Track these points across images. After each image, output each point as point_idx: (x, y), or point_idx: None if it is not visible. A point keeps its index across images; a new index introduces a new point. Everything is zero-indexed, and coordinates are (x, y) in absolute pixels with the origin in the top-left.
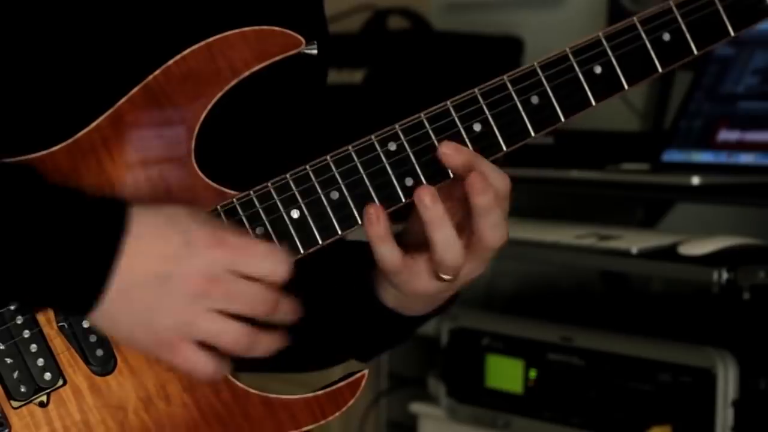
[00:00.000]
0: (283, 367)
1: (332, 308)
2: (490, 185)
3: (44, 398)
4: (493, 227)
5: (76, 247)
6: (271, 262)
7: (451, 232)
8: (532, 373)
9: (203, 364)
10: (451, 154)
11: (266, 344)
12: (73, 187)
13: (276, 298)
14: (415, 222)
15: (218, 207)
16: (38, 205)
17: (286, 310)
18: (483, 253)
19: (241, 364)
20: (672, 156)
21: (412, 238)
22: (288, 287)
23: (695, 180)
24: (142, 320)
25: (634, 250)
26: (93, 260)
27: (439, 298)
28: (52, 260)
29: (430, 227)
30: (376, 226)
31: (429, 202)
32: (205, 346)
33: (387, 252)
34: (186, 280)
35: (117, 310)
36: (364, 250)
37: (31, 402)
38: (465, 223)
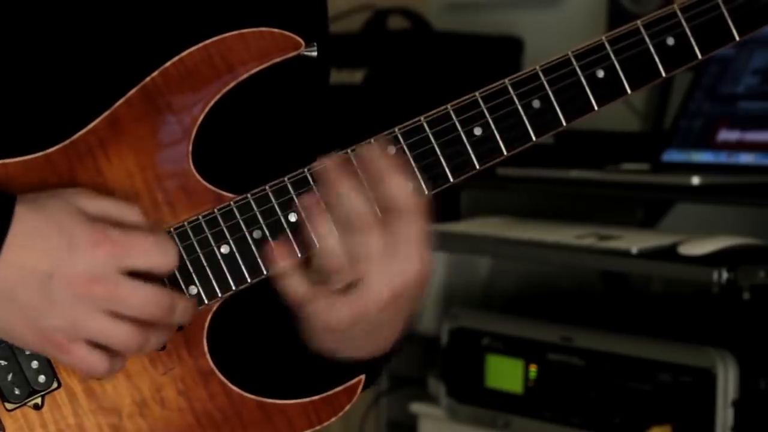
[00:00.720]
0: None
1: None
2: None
3: (39, 401)
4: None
5: None
6: (157, 254)
7: (330, 228)
8: (532, 373)
9: (95, 364)
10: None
11: (157, 341)
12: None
13: (170, 299)
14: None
15: (215, 209)
16: None
17: (184, 311)
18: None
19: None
20: (672, 156)
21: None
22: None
23: (695, 180)
24: (27, 321)
25: (634, 250)
26: None
27: (364, 346)
28: None
29: (309, 224)
30: (280, 261)
31: (309, 203)
32: (98, 344)
33: (295, 284)
34: (69, 281)
35: (2, 309)
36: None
37: (25, 405)
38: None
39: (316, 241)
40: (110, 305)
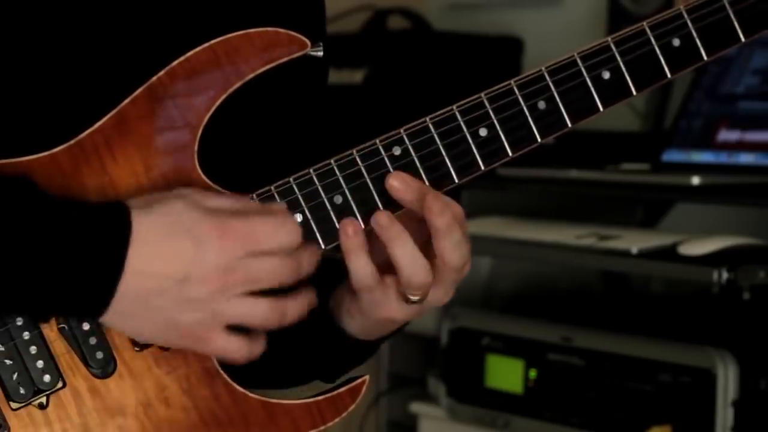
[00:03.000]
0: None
1: (297, 335)
2: (447, 206)
3: (43, 400)
4: (454, 247)
5: (79, 256)
6: (282, 234)
7: (413, 248)
8: (532, 373)
9: (236, 348)
10: (399, 187)
11: (296, 309)
12: (70, 194)
13: (295, 262)
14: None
15: None
16: (39, 217)
17: (309, 260)
18: (447, 277)
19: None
20: (672, 156)
21: (383, 258)
22: None
23: (695, 180)
24: (165, 322)
25: (634, 250)
26: (97, 268)
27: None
28: (58, 272)
29: (391, 246)
30: (353, 238)
31: (385, 223)
32: (235, 327)
33: (361, 266)
34: (204, 278)
35: (134, 315)
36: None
37: (30, 404)
38: (428, 248)
39: (394, 262)
40: (247, 287)
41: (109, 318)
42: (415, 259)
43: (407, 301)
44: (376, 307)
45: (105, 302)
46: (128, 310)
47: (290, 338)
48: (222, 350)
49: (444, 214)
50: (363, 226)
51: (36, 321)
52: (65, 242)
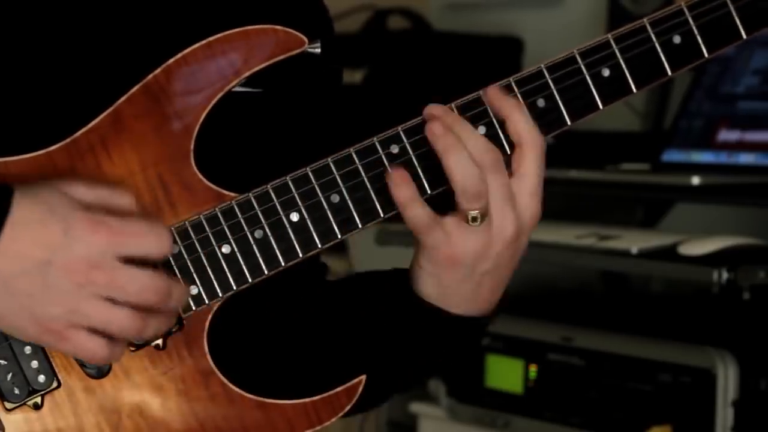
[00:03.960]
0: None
1: (375, 330)
2: (448, 131)
3: (38, 400)
4: (457, 165)
5: None
6: (153, 239)
7: (465, 155)
8: (532, 373)
9: (95, 350)
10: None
11: (156, 327)
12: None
13: (166, 285)
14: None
15: (216, 208)
16: None
17: (179, 297)
18: (493, 192)
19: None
20: (672, 156)
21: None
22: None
23: (695, 180)
24: (25, 310)
25: (634, 250)
26: None
27: (478, 282)
28: None
29: (445, 154)
30: (404, 188)
31: (439, 132)
32: (97, 331)
33: (418, 211)
34: (68, 268)
35: (1, 299)
36: (383, 273)
37: (24, 404)
38: None
39: (449, 172)
40: (108, 291)
41: None
42: (468, 165)
43: (468, 220)
44: (439, 247)
45: None
46: None
47: (375, 339)
48: (79, 349)
49: (446, 135)
50: (360, 226)
51: None
52: None
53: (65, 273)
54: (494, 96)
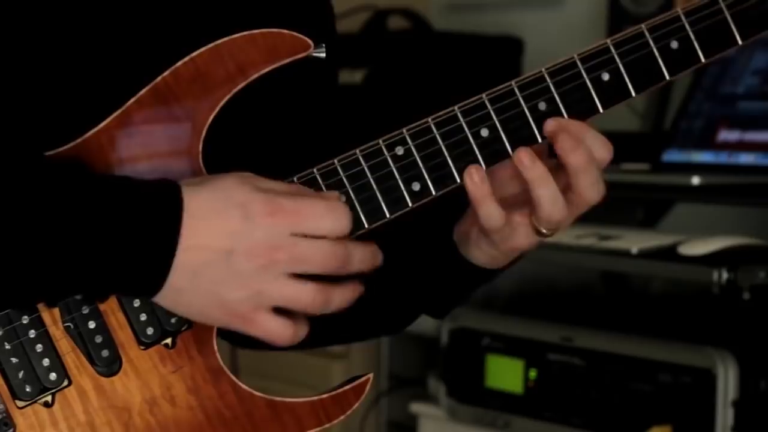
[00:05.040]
0: (345, 335)
1: (409, 261)
2: (580, 143)
3: (49, 398)
4: (592, 185)
5: (135, 233)
6: (331, 219)
7: (555, 188)
8: (532, 373)
9: (281, 330)
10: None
11: (341, 298)
12: (120, 175)
13: (345, 250)
14: (502, 171)
15: None
16: (91, 194)
17: (361, 258)
18: (579, 210)
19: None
20: (672, 156)
21: (505, 195)
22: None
23: (695, 180)
24: (212, 297)
25: (634, 250)
26: (153, 244)
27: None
28: (112, 248)
29: (535, 185)
30: (481, 186)
31: (528, 162)
32: (281, 310)
33: (491, 211)
34: (250, 253)
35: (184, 290)
36: (436, 216)
37: (35, 402)
38: (521, 198)
39: (540, 199)
40: (293, 267)
41: (162, 295)
42: (556, 198)
43: (538, 233)
44: (505, 241)
45: (161, 279)
46: (180, 286)
47: (402, 266)
48: (266, 331)
49: (577, 151)
50: (367, 226)
51: (93, 299)
52: (120, 221)
53: (248, 258)
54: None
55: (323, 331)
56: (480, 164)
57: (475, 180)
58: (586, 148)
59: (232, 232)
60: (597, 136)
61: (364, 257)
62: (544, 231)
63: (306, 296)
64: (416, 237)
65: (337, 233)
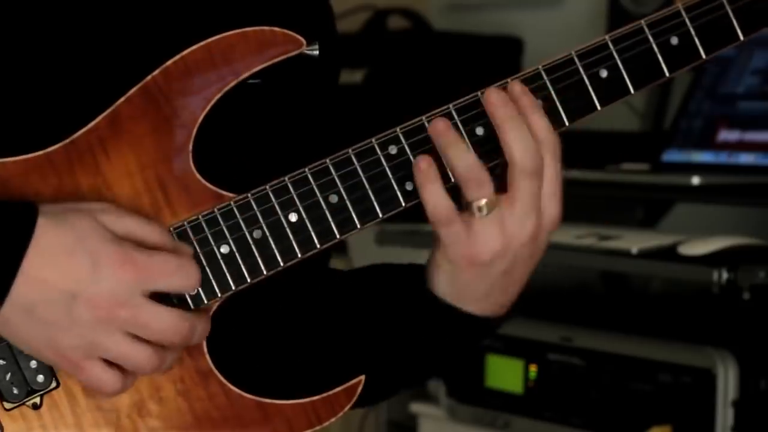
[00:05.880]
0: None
1: (386, 323)
2: (509, 101)
3: (37, 400)
4: (520, 142)
5: None
6: (180, 276)
7: (465, 148)
8: (532, 373)
9: (109, 383)
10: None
11: (172, 361)
12: (64, 194)
13: (190, 326)
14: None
15: (215, 209)
16: None
17: (202, 333)
18: (519, 183)
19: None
20: (672, 156)
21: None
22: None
23: (695, 180)
24: (45, 336)
25: (634, 250)
26: None
27: (493, 282)
28: None
29: (445, 150)
30: (426, 171)
31: (442, 129)
32: (111, 362)
33: (437, 196)
34: (93, 303)
35: (19, 322)
36: (398, 268)
37: (23, 404)
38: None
39: (452, 162)
40: (131, 328)
41: None
42: (469, 157)
43: (475, 212)
44: (457, 244)
45: None
46: (15, 318)
47: (385, 334)
48: (94, 381)
49: (507, 106)
50: (359, 227)
51: None
52: None
53: (89, 308)
54: (515, 94)
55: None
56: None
57: (421, 166)
58: (515, 107)
59: (78, 275)
60: (542, 116)
61: (204, 332)
62: (477, 203)
63: (138, 358)
64: (384, 293)
65: (185, 291)
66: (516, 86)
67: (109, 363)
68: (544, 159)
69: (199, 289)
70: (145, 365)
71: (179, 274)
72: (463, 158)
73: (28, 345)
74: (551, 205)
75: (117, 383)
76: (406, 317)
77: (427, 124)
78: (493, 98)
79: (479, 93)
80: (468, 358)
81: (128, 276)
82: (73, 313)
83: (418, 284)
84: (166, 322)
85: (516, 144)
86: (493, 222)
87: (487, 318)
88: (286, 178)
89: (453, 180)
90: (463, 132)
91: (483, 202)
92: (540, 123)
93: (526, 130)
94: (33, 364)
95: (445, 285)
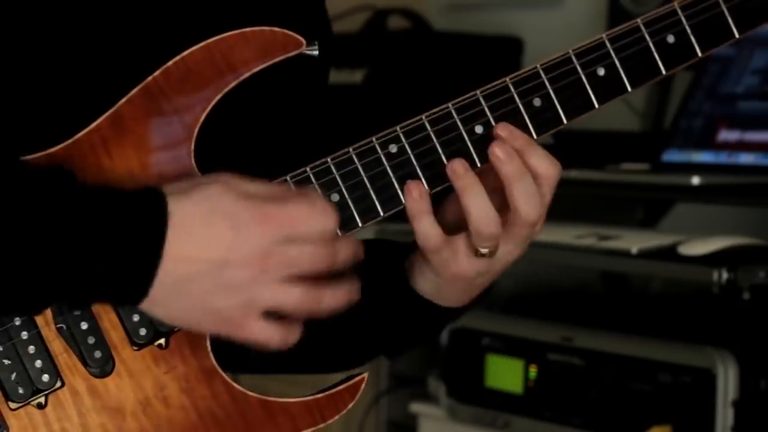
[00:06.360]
0: (307, 368)
1: (365, 302)
2: (513, 153)
3: (42, 400)
4: (526, 197)
5: (118, 243)
6: (319, 218)
7: (485, 199)
8: (532, 373)
9: (272, 334)
10: (504, 137)
11: (332, 299)
12: (103, 183)
13: (332, 249)
14: (450, 203)
15: None
16: (76, 204)
17: (347, 252)
18: (519, 230)
19: (259, 365)
20: (672, 156)
21: (449, 219)
22: None
23: (695, 180)
24: (202, 306)
25: (634, 250)
26: (136, 254)
27: (474, 287)
28: (96, 259)
29: (463, 195)
30: (419, 201)
31: (460, 171)
32: (271, 314)
33: (428, 228)
34: (243, 263)
35: (171, 300)
36: (392, 246)
37: (29, 404)
38: (502, 207)
39: (469, 210)
40: (283, 272)
41: (147, 304)
42: (486, 208)
43: (477, 254)
44: (445, 266)
45: (144, 288)
46: (167, 296)
47: (358, 308)
48: (257, 336)
49: (511, 161)
50: (360, 225)
51: (75, 308)
52: (103, 229)
53: (242, 269)
54: (509, 136)
55: (278, 360)
56: (475, 162)
57: (414, 195)
58: (519, 160)
59: (222, 242)
60: (540, 150)
61: (348, 247)
62: (482, 250)
63: (296, 299)
64: (370, 269)
65: (327, 231)
66: (504, 130)
67: (269, 315)
68: (544, 195)
69: None
70: (304, 303)
71: (318, 216)
72: (482, 208)
73: (186, 318)
74: (533, 233)
75: (279, 334)
76: (383, 303)
77: (427, 124)
78: (498, 153)
79: (478, 92)
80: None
81: (269, 229)
82: (227, 279)
83: (399, 277)
84: (311, 252)
85: (522, 198)
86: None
87: (458, 308)
88: (288, 178)
89: (464, 228)
90: (463, 131)
91: (487, 250)
92: (540, 161)
93: (531, 182)
94: (38, 363)
95: (428, 288)
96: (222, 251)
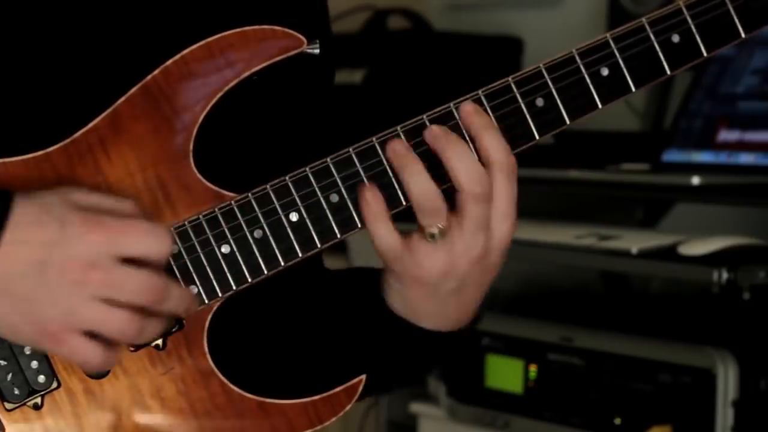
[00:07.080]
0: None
1: (345, 330)
2: (445, 129)
3: (38, 401)
4: (463, 166)
5: None
6: (152, 239)
7: (424, 174)
8: (532, 373)
9: (90, 355)
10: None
11: (153, 330)
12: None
13: (163, 284)
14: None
15: (215, 209)
16: None
17: (179, 299)
18: (468, 207)
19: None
20: (672, 156)
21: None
22: (297, 311)
23: (695, 180)
24: (23, 311)
25: (634, 250)
26: None
27: (443, 295)
28: None
29: (402, 172)
30: (372, 205)
31: (401, 150)
32: (93, 335)
33: (383, 231)
34: (64, 267)
35: None
36: (371, 272)
37: (24, 404)
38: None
39: (409, 187)
40: (105, 292)
41: None
42: (425, 183)
43: (427, 237)
44: (405, 270)
45: None
46: None
47: (340, 338)
48: (75, 354)
49: (445, 136)
50: (360, 226)
51: None
52: None
53: (62, 272)
54: (466, 114)
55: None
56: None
57: (367, 199)
58: (453, 135)
59: (47, 242)
60: (496, 137)
61: (181, 298)
62: (430, 230)
63: (116, 323)
64: (348, 297)
65: (159, 255)
66: (467, 106)
67: (90, 336)
68: (495, 180)
69: (200, 289)
70: (125, 330)
71: (151, 237)
72: (420, 184)
73: (8, 326)
74: (502, 225)
75: (98, 355)
76: (366, 327)
77: (428, 124)
78: (433, 131)
79: (480, 91)
80: (433, 368)
81: (98, 238)
82: (46, 280)
83: (377, 298)
84: (139, 281)
85: (460, 171)
86: (439, 245)
87: (443, 333)
88: (287, 178)
89: (405, 204)
90: (464, 131)
91: (436, 229)
92: (491, 143)
93: (468, 155)
94: (34, 364)
95: (398, 302)
96: (45, 253)
